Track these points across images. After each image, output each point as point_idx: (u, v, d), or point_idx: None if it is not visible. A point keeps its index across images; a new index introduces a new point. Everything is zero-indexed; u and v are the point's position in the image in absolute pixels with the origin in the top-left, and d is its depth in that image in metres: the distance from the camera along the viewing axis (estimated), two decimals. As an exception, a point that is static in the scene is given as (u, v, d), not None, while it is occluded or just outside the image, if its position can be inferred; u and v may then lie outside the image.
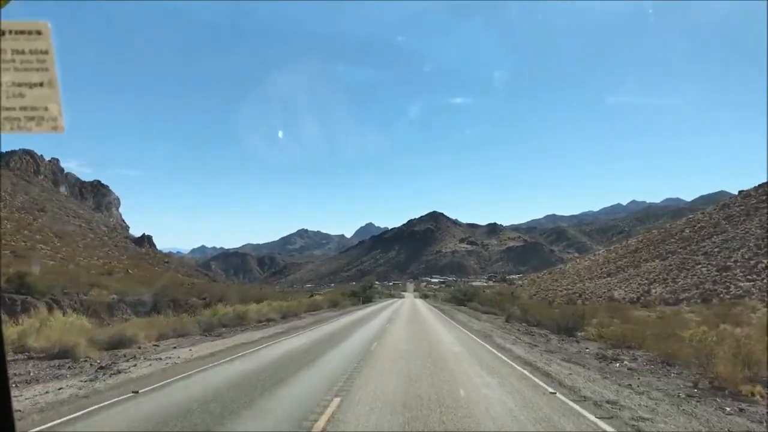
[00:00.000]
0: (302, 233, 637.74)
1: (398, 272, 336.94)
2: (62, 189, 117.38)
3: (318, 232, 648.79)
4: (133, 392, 7.08)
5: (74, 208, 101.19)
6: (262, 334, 16.28)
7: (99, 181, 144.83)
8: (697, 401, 6.98)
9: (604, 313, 27.28)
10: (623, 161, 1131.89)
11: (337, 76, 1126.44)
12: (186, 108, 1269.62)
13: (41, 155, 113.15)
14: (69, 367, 8.96)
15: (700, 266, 54.07)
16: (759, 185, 66.35)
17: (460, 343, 14.42)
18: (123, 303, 18.57)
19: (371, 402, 6.61)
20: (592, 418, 5.91)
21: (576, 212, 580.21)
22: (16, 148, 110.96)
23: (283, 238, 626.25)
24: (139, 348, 11.46)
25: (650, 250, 66.77)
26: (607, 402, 6.76)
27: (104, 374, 8.48)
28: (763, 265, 48.02)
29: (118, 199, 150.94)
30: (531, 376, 8.90)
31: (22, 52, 1.29)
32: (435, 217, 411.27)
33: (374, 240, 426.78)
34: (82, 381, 7.85)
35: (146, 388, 7.35)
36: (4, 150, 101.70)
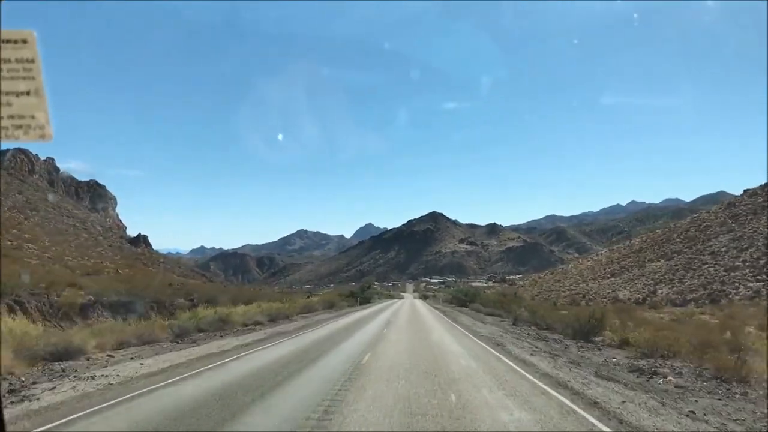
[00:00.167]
0: (302, 234, 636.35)
1: (398, 273, 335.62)
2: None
3: (317, 232, 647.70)
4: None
5: (69, 207, 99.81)
6: (240, 341, 14.33)
7: (95, 181, 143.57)
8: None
9: (613, 315, 25.94)
10: (622, 162, 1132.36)
11: (336, 77, 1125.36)
12: (185, 108, 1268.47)
13: (36, 154, 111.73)
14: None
15: (707, 266, 52.76)
16: (765, 183, 65.08)
17: (471, 355, 12.18)
18: (99, 305, 17.18)
19: None
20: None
21: (576, 213, 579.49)
22: (10, 147, 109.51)
23: (282, 239, 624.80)
24: (88, 359, 9.85)
25: (655, 250, 65.49)
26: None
27: (6, 401, 6.68)
28: (774, 265, 46.69)
29: (114, 199, 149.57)
30: (574, 406, 6.67)
31: (9, 61, 1.31)
32: (434, 217, 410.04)
33: (374, 240, 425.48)
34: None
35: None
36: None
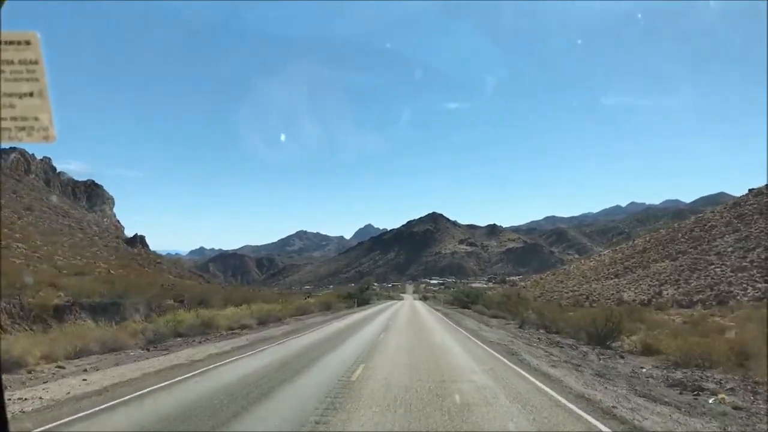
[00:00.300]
0: (301, 234, 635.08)
1: (397, 274, 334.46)
2: (53, 198, 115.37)
3: (317, 233, 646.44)
4: None
5: (65, 207, 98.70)
6: (217, 348, 12.82)
7: (93, 181, 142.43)
8: None
9: (623, 318, 24.86)
10: (622, 162, 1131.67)
11: (336, 77, 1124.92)
12: (185, 108, 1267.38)
13: (32, 154, 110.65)
14: None
15: (713, 267, 51.66)
16: (772, 182, 64.07)
17: (483, 368, 10.28)
18: (79, 306, 16.04)
19: None
20: None
21: (575, 213, 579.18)
22: (6, 146, 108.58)
23: (282, 240, 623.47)
24: (30, 373, 8.51)
25: (659, 250, 64.39)
26: None
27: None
28: (784, 265, 45.63)
29: (112, 199, 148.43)
30: None
31: (12, 63, 1.31)
32: (434, 218, 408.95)
33: (373, 241, 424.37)
34: None
35: None
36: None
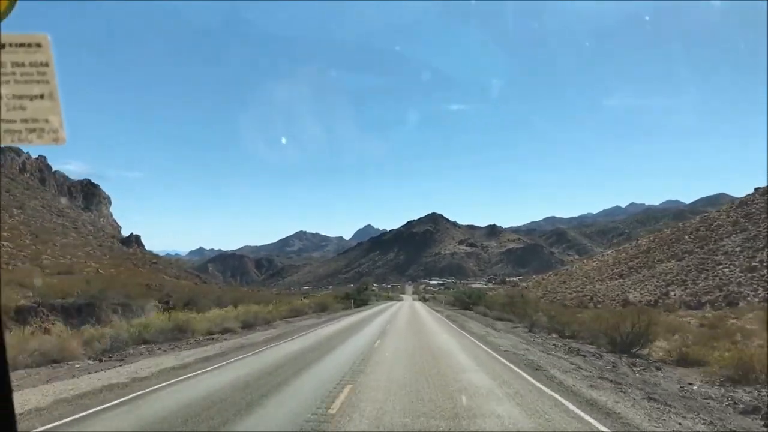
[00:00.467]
0: (301, 235, 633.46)
1: (397, 274, 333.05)
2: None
3: (316, 234, 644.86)
4: None
5: (59, 206, 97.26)
6: (179, 360, 10.76)
7: (89, 180, 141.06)
8: None
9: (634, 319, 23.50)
10: (622, 163, 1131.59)
11: (336, 79, 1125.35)
12: (186, 109, 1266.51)
13: (27, 152, 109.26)
14: None
15: (721, 267, 50.34)
16: (778, 181, 62.82)
17: (506, 391, 8.02)
18: (49, 307, 14.65)
19: None
20: None
21: (575, 214, 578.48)
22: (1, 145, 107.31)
23: (281, 240, 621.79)
24: None
25: (664, 250, 63.08)
26: None
27: None
28: (796, 265, 44.37)
29: (109, 199, 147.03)
30: None
31: (22, 65, 1.31)
32: (434, 218, 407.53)
33: (373, 242, 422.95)
34: None
35: None
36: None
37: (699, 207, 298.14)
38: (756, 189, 67.64)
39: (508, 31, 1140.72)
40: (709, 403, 6.86)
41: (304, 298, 45.98)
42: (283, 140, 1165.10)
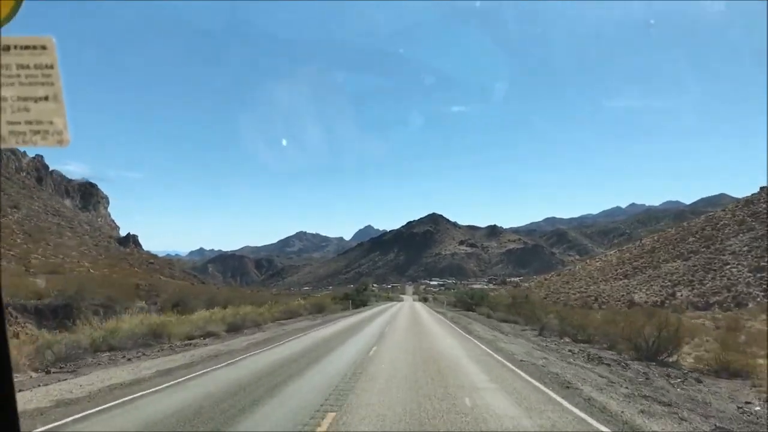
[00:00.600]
0: (301, 236, 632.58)
1: (397, 275, 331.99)
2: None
3: (317, 234, 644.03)
4: None
5: (56, 206, 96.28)
6: (134, 374, 9.06)
7: (87, 180, 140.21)
8: None
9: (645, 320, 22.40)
10: (622, 164, 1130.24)
11: (336, 80, 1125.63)
12: (186, 110, 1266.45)
13: (24, 151, 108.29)
14: None
15: (729, 267, 49.24)
16: (786, 180, 61.74)
17: (537, 422, 6.32)
18: (14, 308, 13.53)
19: None
20: None
21: (575, 215, 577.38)
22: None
23: (281, 241, 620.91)
24: None
25: (669, 250, 62.00)
26: None
27: None
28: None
29: (107, 199, 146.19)
30: None
31: (27, 67, 1.32)
32: (434, 219, 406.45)
33: (373, 242, 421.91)
34: None
35: None
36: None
37: (699, 207, 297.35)
38: (762, 188, 66.53)
39: (509, 33, 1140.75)
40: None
41: (303, 298, 44.81)
42: (284, 142, 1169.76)
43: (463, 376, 9.32)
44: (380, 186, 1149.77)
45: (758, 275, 45.06)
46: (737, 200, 68.49)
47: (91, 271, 36.28)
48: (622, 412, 6.72)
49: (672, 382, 8.10)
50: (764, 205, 60.66)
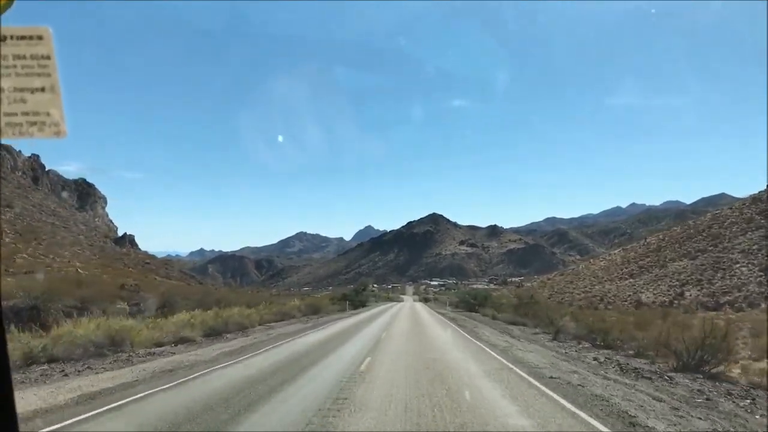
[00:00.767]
0: (301, 236, 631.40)
1: (397, 275, 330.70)
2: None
3: (317, 234, 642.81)
4: None
5: (51, 206, 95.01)
6: (53, 396, 7.04)
7: (84, 179, 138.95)
8: None
9: (660, 323, 21.06)
10: (622, 164, 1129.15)
11: (336, 79, 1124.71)
12: (186, 110, 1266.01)
13: (19, 150, 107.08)
14: None
15: (738, 266, 47.90)
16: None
17: None
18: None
19: None
20: None
21: (576, 215, 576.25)
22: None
23: (281, 241, 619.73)
24: None
25: (675, 249, 60.66)
26: None
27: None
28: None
29: (104, 198, 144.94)
30: None
31: (24, 57, 1.32)
32: (434, 219, 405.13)
33: (373, 242, 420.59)
34: None
35: None
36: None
37: (700, 207, 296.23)
38: (769, 185, 65.26)
39: (509, 31, 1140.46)
40: None
41: (301, 299, 43.35)
42: (280, 138, 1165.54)
43: (484, 405, 7.09)
44: (380, 186, 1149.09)
45: (770, 274, 43.76)
46: (744, 197, 67.14)
47: (80, 271, 34.98)
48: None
49: (740, 404, 6.66)
50: (773, 203, 59.37)
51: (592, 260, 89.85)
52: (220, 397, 7.39)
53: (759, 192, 66.16)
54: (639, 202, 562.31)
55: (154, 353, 11.14)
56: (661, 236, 70.63)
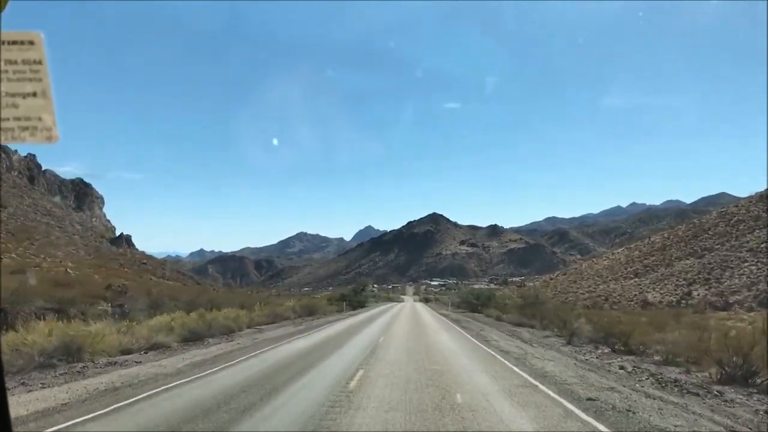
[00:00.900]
0: (301, 236, 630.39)
1: (397, 275, 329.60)
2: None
3: (317, 235, 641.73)
4: None
5: (46, 205, 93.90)
6: None
7: (81, 180, 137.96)
8: None
9: (675, 324, 19.92)
10: (622, 163, 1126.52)
11: (336, 79, 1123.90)
12: (186, 110, 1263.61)
13: (15, 150, 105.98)
14: None
15: (747, 264, 46.75)
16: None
17: None
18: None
19: None
20: None
21: (576, 214, 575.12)
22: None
23: (281, 242, 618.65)
24: None
25: (681, 247, 59.53)
26: None
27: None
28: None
29: (101, 199, 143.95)
30: None
31: (15, 62, 1.32)
32: (435, 219, 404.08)
33: (373, 243, 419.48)
34: None
35: None
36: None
37: (700, 206, 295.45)
38: (776, 183, 64.10)
39: (508, 31, 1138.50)
40: None
41: (298, 299, 42.15)
42: (275, 141, 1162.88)
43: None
44: (380, 186, 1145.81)
45: (781, 273, 42.63)
46: (750, 195, 65.96)
47: (69, 271, 33.84)
48: None
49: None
50: (780, 200, 58.27)
51: (594, 259, 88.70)
52: (167, 426, 5.68)
53: (766, 189, 65.00)
54: (639, 201, 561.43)
55: (115, 363, 9.59)
56: (666, 235, 69.48)
